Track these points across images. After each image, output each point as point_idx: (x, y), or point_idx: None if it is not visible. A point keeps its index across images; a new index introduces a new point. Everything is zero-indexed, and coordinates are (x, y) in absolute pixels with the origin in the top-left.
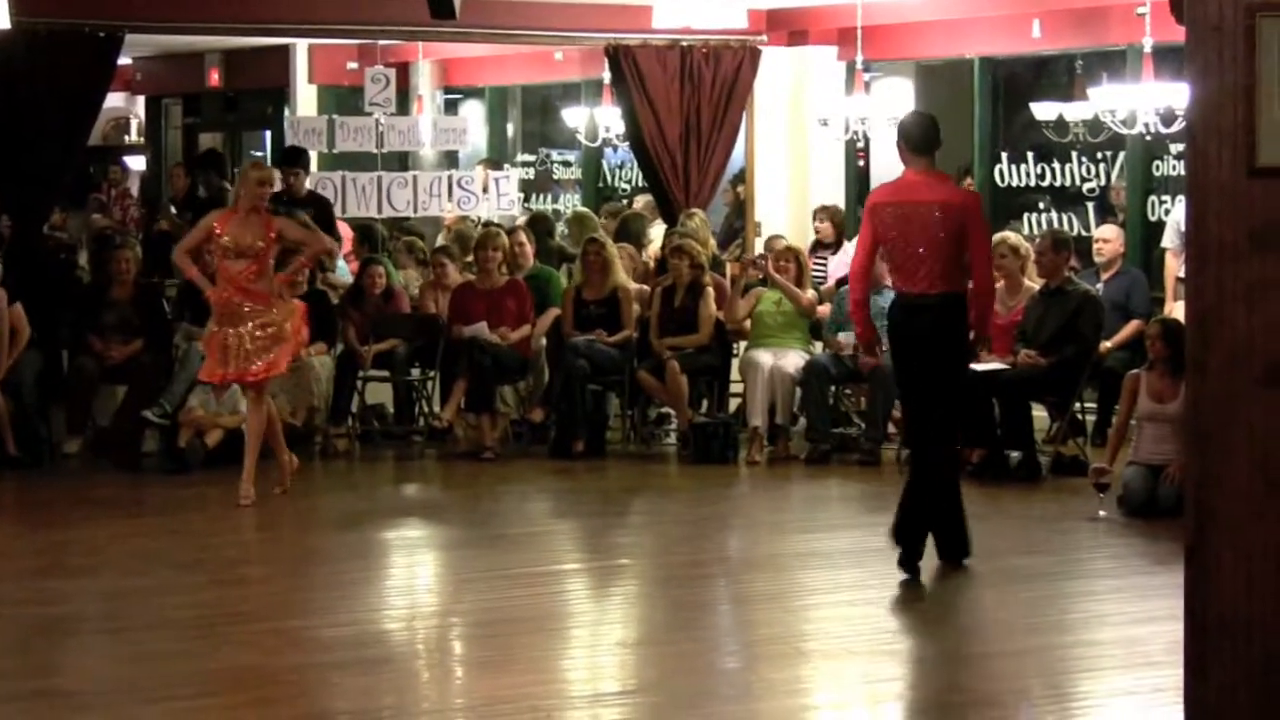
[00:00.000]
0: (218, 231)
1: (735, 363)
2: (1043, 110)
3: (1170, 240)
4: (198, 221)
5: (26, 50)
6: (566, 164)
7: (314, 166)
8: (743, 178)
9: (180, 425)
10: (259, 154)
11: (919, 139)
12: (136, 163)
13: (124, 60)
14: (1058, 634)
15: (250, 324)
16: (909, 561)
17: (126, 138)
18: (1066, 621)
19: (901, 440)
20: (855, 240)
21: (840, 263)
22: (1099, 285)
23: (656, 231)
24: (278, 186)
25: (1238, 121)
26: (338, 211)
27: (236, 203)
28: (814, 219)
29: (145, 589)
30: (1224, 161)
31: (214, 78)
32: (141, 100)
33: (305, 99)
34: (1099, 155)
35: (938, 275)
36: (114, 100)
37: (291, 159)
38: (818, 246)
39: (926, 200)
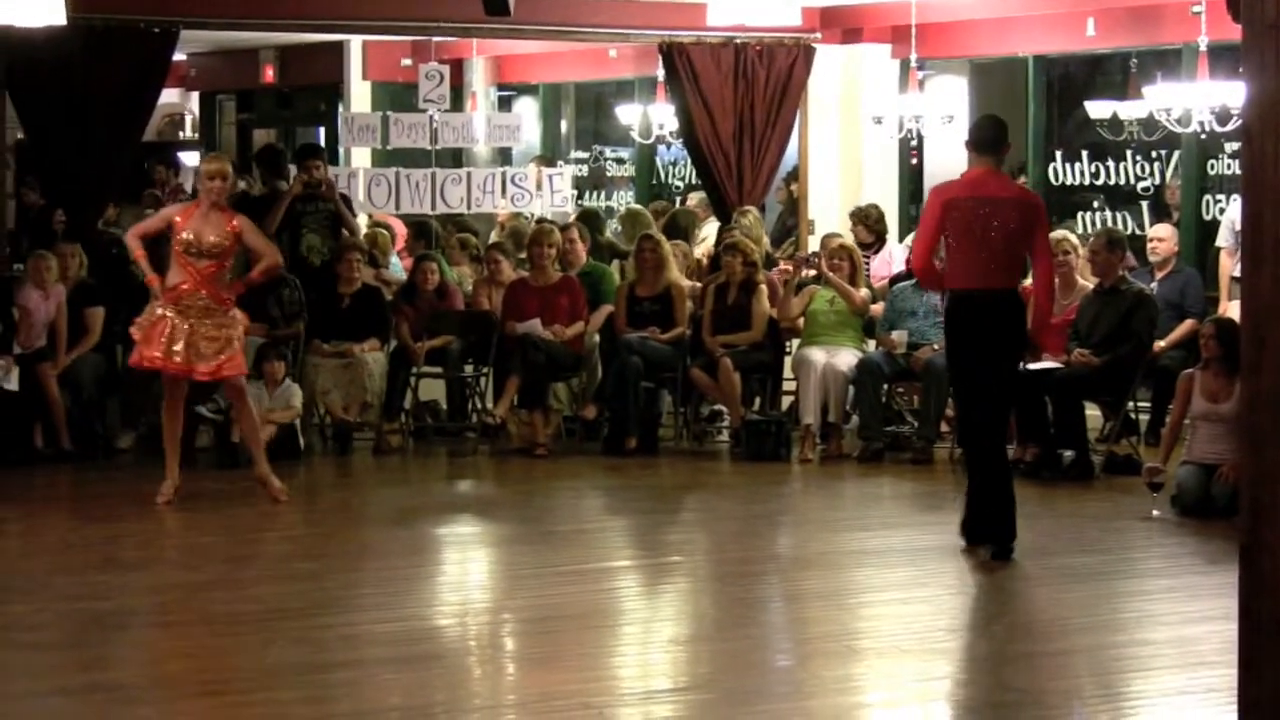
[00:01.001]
0: (179, 224)
1: (788, 360)
2: (1097, 109)
3: (1225, 239)
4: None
5: (82, 46)
6: (620, 161)
7: (367, 162)
8: (796, 175)
9: (232, 421)
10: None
11: (990, 139)
12: (190, 158)
13: (178, 56)
14: (1110, 633)
15: (207, 321)
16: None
17: (181, 134)
18: (1119, 621)
19: (955, 439)
20: (907, 239)
21: (883, 261)
22: (1153, 284)
23: (710, 229)
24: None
25: None
26: (391, 208)
27: (197, 197)
28: (851, 221)
29: (197, 584)
30: None
31: (268, 74)
32: (196, 96)
33: (359, 95)
34: (1153, 154)
35: (1004, 270)
36: (168, 96)
37: (309, 153)
38: (863, 245)
39: (1002, 196)
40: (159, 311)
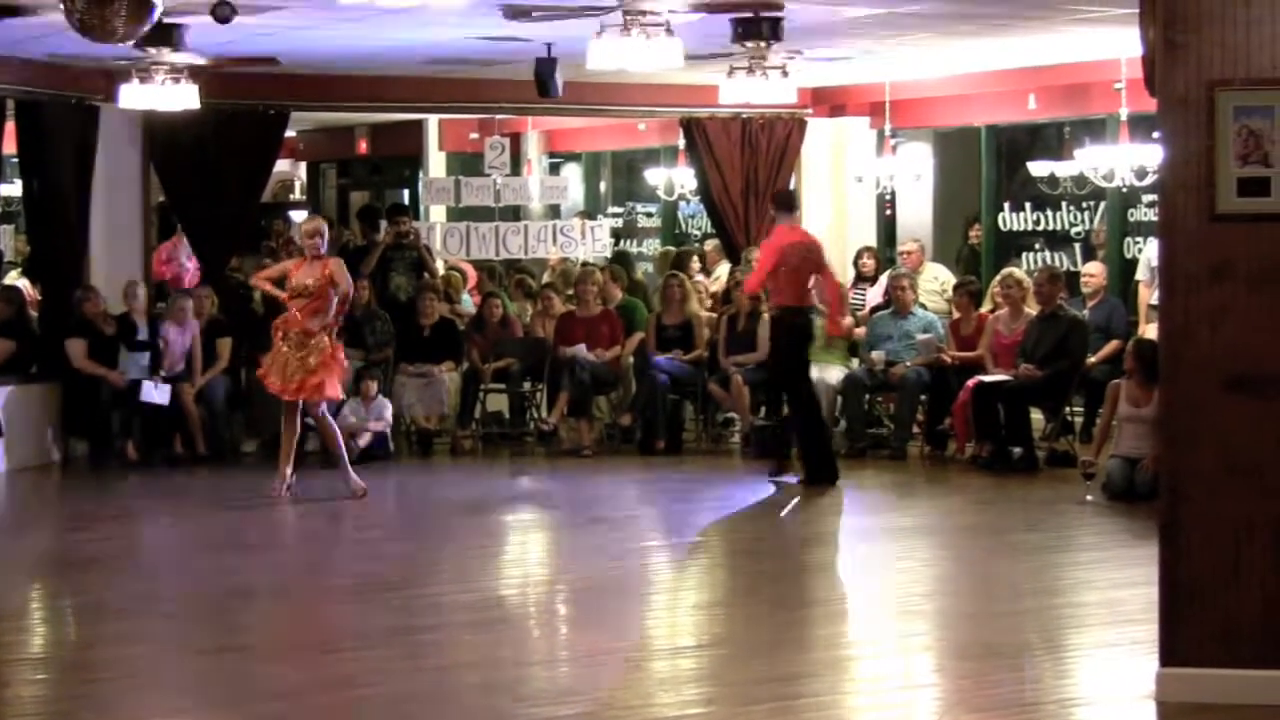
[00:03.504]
0: (292, 273)
1: None
2: (1038, 168)
3: (1143, 274)
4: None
5: (212, 125)
6: (649, 214)
7: (443, 218)
8: None
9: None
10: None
11: (791, 204)
12: (299, 216)
13: (290, 132)
14: (1052, 596)
15: (298, 352)
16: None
17: (291, 196)
18: (1060, 586)
19: (924, 437)
20: (882, 278)
21: (877, 293)
22: (1085, 311)
23: (722, 269)
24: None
25: (1201, 177)
26: (463, 254)
27: (305, 251)
28: (859, 256)
29: (309, 562)
30: (1190, 209)
31: (362, 146)
32: (304, 165)
33: (436, 163)
34: (1084, 205)
35: (808, 291)
36: (282, 165)
37: (398, 210)
38: (859, 279)
39: (807, 242)
40: (280, 347)
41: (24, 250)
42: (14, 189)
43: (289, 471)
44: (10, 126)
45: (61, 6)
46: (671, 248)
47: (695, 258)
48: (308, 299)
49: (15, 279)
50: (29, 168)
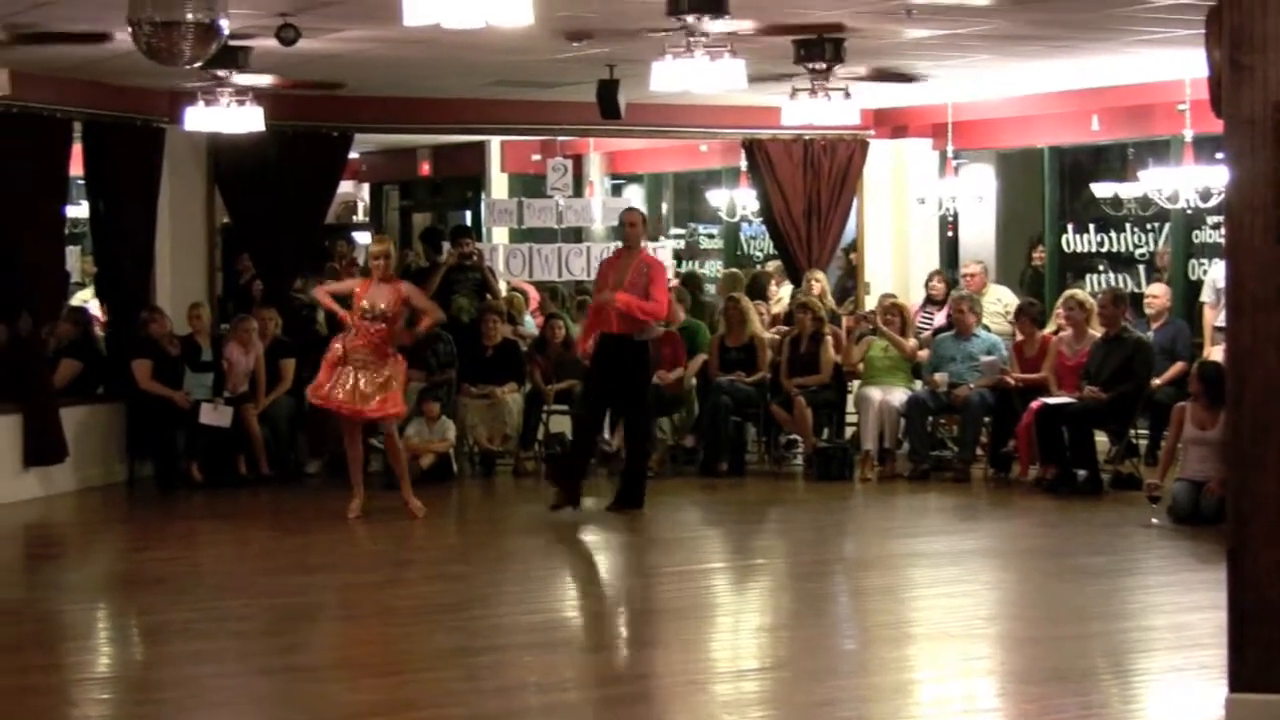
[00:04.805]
0: (359, 294)
1: (850, 398)
2: (1101, 189)
3: (1208, 295)
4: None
5: (276, 147)
6: (710, 236)
7: (506, 239)
8: (854, 246)
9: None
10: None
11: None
12: (362, 237)
13: (353, 154)
14: (1118, 620)
15: (368, 372)
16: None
17: (354, 217)
18: (1126, 610)
19: (988, 459)
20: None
21: (944, 315)
22: (1150, 333)
23: (784, 290)
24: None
25: (1267, 198)
26: (525, 276)
27: (370, 272)
28: (930, 279)
29: (372, 583)
30: (1256, 231)
31: (424, 168)
32: (366, 187)
33: (498, 184)
34: (1148, 226)
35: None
36: (345, 186)
37: (461, 232)
38: (928, 302)
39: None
40: (338, 354)
41: (90, 271)
42: (81, 210)
43: (362, 490)
44: (77, 148)
45: (129, 30)
46: (736, 269)
47: (773, 281)
48: (382, 322)
49: (87, 299)
50: (96, 189)
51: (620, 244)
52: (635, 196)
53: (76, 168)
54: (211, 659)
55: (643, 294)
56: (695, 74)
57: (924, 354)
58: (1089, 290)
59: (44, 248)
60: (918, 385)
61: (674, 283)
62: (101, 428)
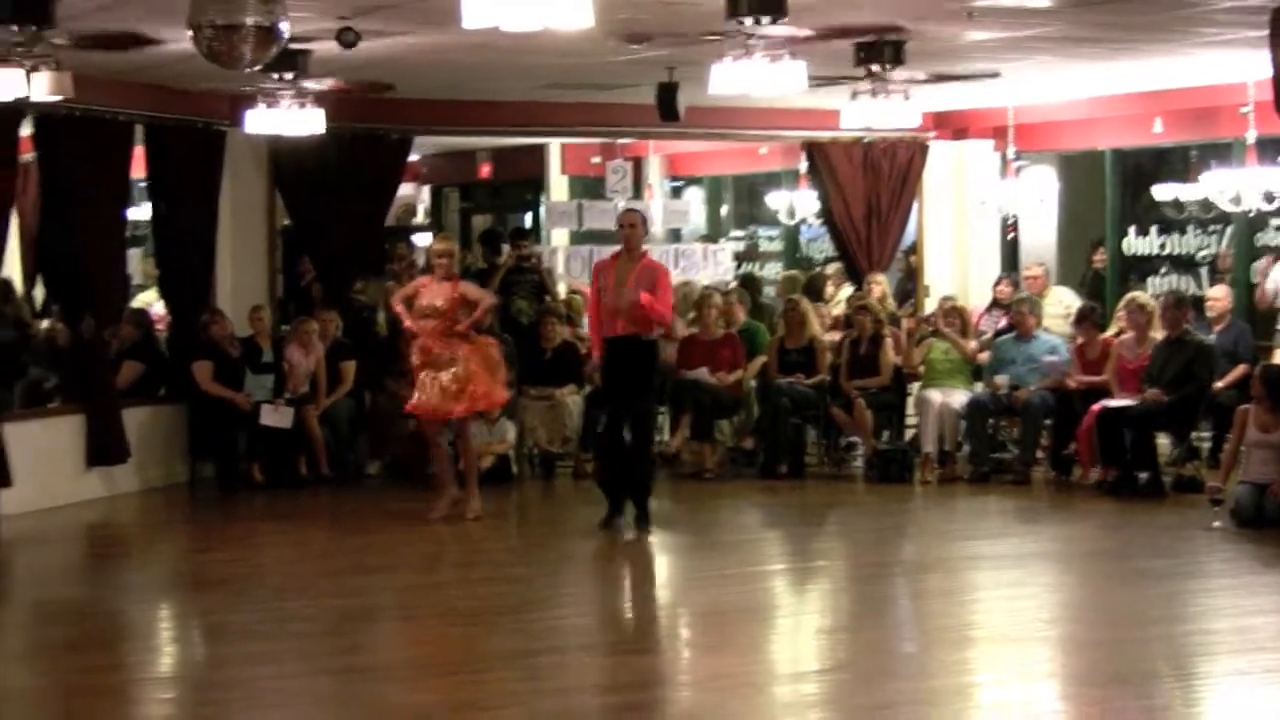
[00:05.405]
0: (421, 292)
1: (910, 400)
2: (1163, 192)
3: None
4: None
5: (336, 150)
6: (770, 238)
7: (566, 241)
8: (914, 248)
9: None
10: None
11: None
12: (422, 239)
13: (413, 157)
14: (1181, 624)
15: (446, 372)
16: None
17: (414, 219)
18: (1188, 613)
19: (1049, 462)
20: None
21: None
22: (1211, 335)
23: (844, 292)
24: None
25: None
26: (585, 278)
27: (432, 270)
28: (998, 283)
29: (432, 584)
30: None
31: (484, 170)
32: (427, 189)
33: (558, 187)
34: (1210, 229)
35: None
36: (405, 189)
37: (520, 234)
38: (994, 305)
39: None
40: (417, 364)
41: (152, 273)
42: (143, 213)
43: (455, 490)
44: (139, 151)
45: (190, 34)
46: (796, 272)
47: (831, 283)
48: (436, 319)
49: (149, 301)
50: (157, 192)
51: (620, 246)
52: (695, 198)
53: (138, 170)
54: (272, 660)
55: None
56: (754, 77)
57: (984, 356)
58: (1150, 293)
59: (106, 250)
60: (978, 387)
61: (733, 283)
62: (163, 429)
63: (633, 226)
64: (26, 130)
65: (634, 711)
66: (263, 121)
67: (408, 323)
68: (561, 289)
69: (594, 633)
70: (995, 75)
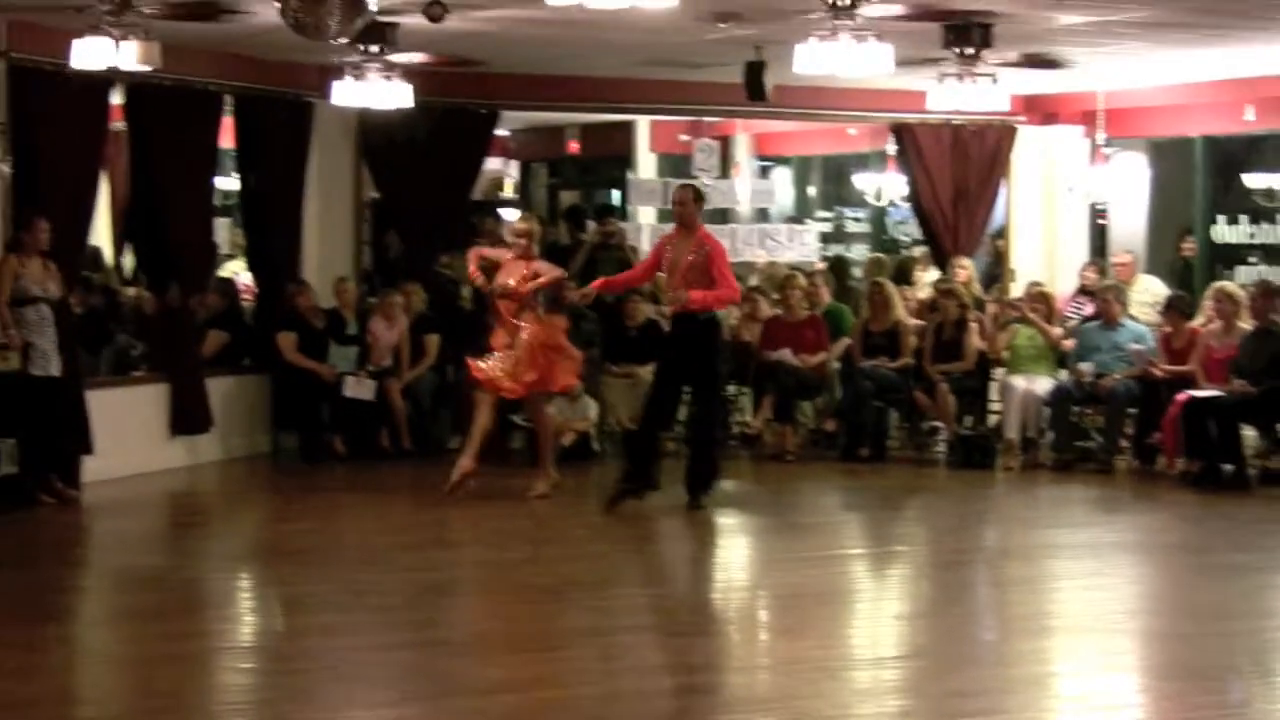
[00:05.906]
0: (502, 268)
1: (994, 386)
2: (1254, 180)
3: None
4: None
5: (425, 124)
6: (857, 220)
7: (653, 219)
8: (1002, 233)
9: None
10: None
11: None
12: (510, 215)
13: (501, 131)
14: (1263, 619)
15: (515, 350)
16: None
17: (501, 194)
18: (1270, 608)
19: (1132, 452)
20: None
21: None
22: None
23: (930, 275)
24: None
25: None
26: None
27: (512, 249)
28: (1084, 268)
29: (509, 560)
30: None
31: (573, 146)
32: (515, 164)
33: (646, 164)
34: None
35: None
36: (493, 163)
37: (605, 211)
38: (1081, 291)
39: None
40: (499, 331)
41: (239, 243)
42: (231, 183)
43: (468, 463)
44: (228, 121)
45: (277, 5)
46: (881, 254)
47: (918, 267)
48: (508, 299)
49: (236, 270)
50: (246, 162)
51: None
52: (782, 178)
53: (227, 140)
54: (349, 631)
55: (703, 274)
56: (840, 57)
57: (1070, 343)
58: (1239, 282)
59: (193, 220)
60: (1062, 374)
61: (819, 265)
62: (247, 399)
63: (682, 204)
64: (117, 99)
65: (707, 694)
66: (350, 94)
67: (478, 275)
68: None
69: (669, 613)
70: (1066, 65)
